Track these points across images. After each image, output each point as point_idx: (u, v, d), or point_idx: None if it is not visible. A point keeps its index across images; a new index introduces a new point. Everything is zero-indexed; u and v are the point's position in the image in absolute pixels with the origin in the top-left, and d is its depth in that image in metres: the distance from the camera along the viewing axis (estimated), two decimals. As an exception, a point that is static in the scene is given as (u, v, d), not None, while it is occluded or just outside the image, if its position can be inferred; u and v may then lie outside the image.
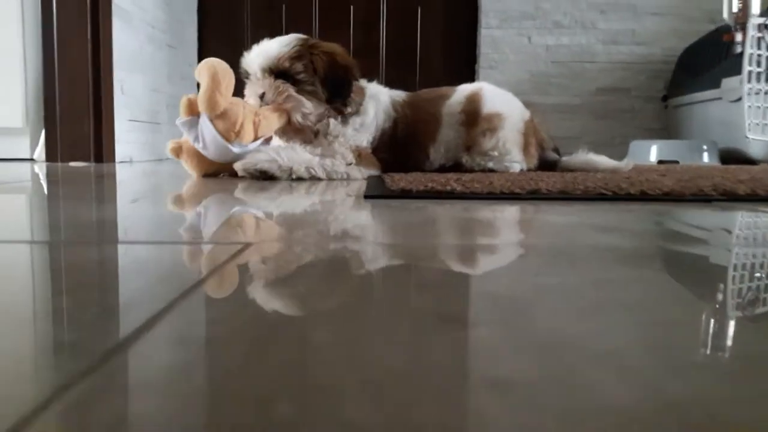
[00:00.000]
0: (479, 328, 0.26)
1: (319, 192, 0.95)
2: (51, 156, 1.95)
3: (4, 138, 2.08)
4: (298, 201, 0.84)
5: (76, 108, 1.93)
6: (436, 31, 2.85)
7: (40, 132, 2.03)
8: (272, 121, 1.21)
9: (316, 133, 1.25)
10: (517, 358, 0.22)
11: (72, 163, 1.88)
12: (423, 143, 1.35)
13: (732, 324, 0.28)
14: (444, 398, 0.19)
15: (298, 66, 1.21)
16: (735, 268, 0.43)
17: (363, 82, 1.33)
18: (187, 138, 1.22)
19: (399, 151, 1.32)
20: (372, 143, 1.28)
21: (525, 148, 1.37)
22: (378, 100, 1.31)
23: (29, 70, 2.03)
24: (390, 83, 1.42)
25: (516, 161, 1.34)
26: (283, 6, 2.84)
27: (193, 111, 1.22)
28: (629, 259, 0.44)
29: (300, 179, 1.16)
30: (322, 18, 2.85)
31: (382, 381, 0.20)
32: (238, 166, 1.16)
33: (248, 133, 1.20)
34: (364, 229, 0.57)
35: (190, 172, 1.25)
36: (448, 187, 0.86)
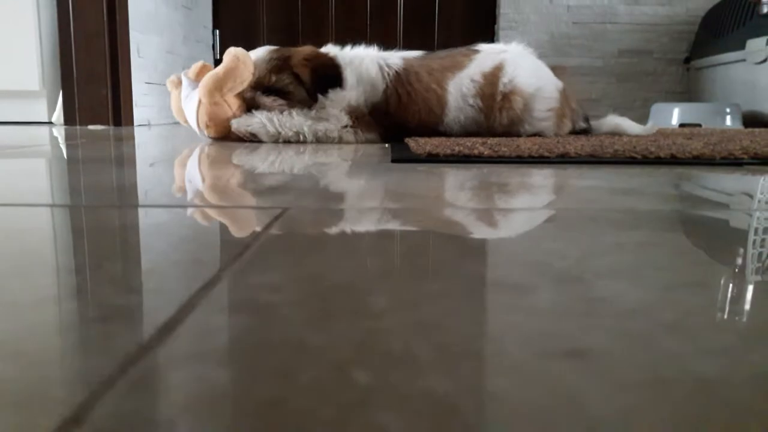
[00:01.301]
0: (537, 293, 0.25)
1: (339, 154, 0.94)
2: (69, 119, 1.95)
3: (21, 101, 2.08)
4: (322, 162, 0.84)
5: (93, 71, 1.92)
6: (454, -10, 2.79)
7: (58, 95, 2.03)
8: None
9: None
10: (582, 325, 0.22)
11: (91, 127, 1.88)
12: (427, 121, 1.23)
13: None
14: (517, 366, 0.18)
15: (285, 78, 1.20)
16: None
17: (336, 51, 1.25)
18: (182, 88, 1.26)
19: (396, 124, 1.22)
20: (366, 107, 1.21)
21: (558, 121, 1.28)
22: (359, 69, 1.21)
23: (44, 33, 2.02)
24: (408, 45, 1.37)
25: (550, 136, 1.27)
26: (299, -35, 2.78)
27: (199, 79, 1.23)
28: (672, 224, 0.43)
29: (288, 142, 1.16)
30: (339, -23, 2.80)
31: (453, 347, 0.20)
32: (233, 126, 1.18)
33: (221, 131, 1.21)
34: (399, 194, 0.56)
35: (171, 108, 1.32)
36: (476, 151, 0.85)
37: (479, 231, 0.42)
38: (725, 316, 0.24)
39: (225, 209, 0.49)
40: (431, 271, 0.30)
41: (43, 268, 0.30)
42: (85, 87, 1.93)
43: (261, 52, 1.22)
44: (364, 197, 0.55)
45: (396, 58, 1.24)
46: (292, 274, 0.28)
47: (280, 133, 1.16)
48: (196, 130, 1.22)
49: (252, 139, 1.17)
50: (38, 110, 2.10)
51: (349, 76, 1.20)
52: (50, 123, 2.06)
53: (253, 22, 2.75)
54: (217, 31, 2.85)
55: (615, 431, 0.15)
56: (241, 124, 1.16)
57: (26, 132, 1.59)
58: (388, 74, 1.21)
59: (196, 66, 1.26)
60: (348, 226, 0.42)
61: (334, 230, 0.40)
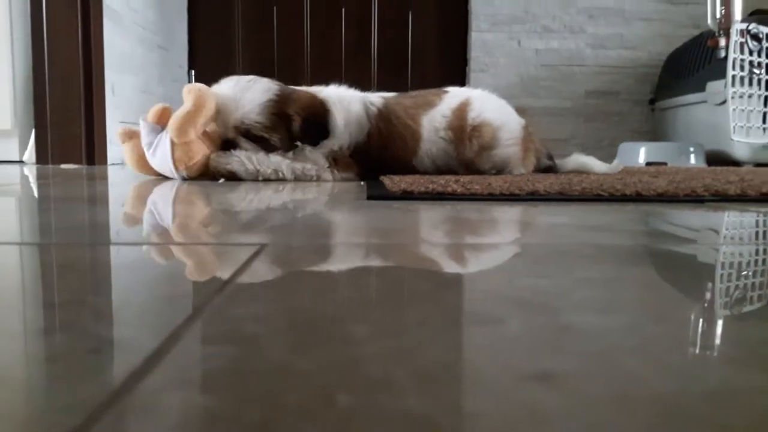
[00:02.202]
0: (507, 324, 0.27)
1: (314, 191, 0.96)
2: (41, 158, 1.94)
3: (-8, 140, 2.07)
4: (296, 199, 0.85)
5: (67, 109, 1.92)
6: (427, 33, 2.87)
7: (29, 134, 2.02)
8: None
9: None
10: (551, 350, 0.23)
11: (63, 165, 1.87)
12: (403, 156, 1.28)
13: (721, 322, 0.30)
14: (493, 389, 0.20)
15: (275, 137, 1.19)
16: (748, 265, 0.44)
17: (323, 90, 1.27)
18: (141, 137, 1.23)
19: (376, 160, 1.25)
20: (348, 149, 1.23)
21: (523, 153, 1.33)
22: (348, 110, 1.23)
23: (17, 71, 2.02)
24: (381, 85, 1.41)
25: (517, 173, 1.32)
26: (275, 7, 2.84)
27: (161, 122, 1.22)
28: (633, 258, 0.45)
29: (267, 180, 1.17)
30: (314, 18, 2.86)
31: (432, 373, 0.21)
32: (210, 164, 1.19)
33: (199, 169, 1.21)
34: (378, 230, 0.58)
35: (126, 162, 1.29)
36: (449, 189, 0.87)
37: (454, 266, 0.43)
38: (687, 343, 0.25)
39: (204, 245, 0.49)
40: (409, 302, 0.31)
41: (27, 303, 0.31)
42: (59, 126, 1.92)
43: (257, 95, 1.19)
44: (342, 233, 0.56)
45: (376, 97, 1.29)
46: (273, 307, 0.29)
47: (258, 170, 1.17)
48: (172, 173, 1.19)
49: (230, 177, 1.18)
50: (9, 149, 2.08)
51: (338, 119, 1.21)
52: (21, 162, 2.04)
53: (228, 62, 2.78)
54: (193, 71, 2.87)
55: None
56: (220, 162, 1.17)
57: (2, 170, 1.58)
58: (372, 113, 1.25)
59: (155, 109, 1.24)
60: (327, 260, 0.43)
61: (313, 265, 0.41)
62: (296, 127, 1.19)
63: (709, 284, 0.39)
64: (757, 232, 0.63)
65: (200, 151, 1.18)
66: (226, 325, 0.26)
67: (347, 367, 0.21)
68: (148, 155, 1.21)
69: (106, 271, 0.40)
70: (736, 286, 0.37)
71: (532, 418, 0.17)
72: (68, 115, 1.92)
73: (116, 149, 2.09)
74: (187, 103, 1.17)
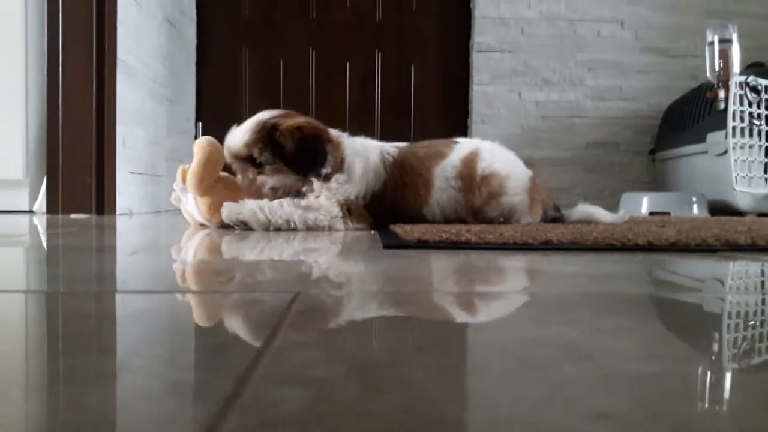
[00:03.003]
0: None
1: (324, 240, 0.97)
2: (52, 208, 1.96)
3: (3, 190, 2.09)
4: (317, 251, 0.86)
5: (79, 160, 1.95)
6: (429, 86, 2.93)
7: (40, 185, 2.05)
8: (251, 196, 1.30)
9: (298, 192, 1.27)
10: (604, 393, 0.24)
11: (73, 215, 1.89)
12: (414, 204, 1.31)
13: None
14: (560, 428, 0.21)
15: (256, 151, 1.24)
16: (755, 314, 0.45)
17: (345, 138, 1.31)
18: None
19: (388, 209, 1.29)
20: (364, 198, 1.26)
21: (531, 202, 1.35)
22: (366, 158, 1.28)
23: (31, 123, 2.06)
24: (385, 136, 1.44)
25: (525, 221, 1.34)
26: (281, 62, 2.91)
27: (185, 181, 1.32)
28: (657, 307, 0.46)
29: (278, 230, 1.20)
30: (319, 74, 2.93)
31: (494, 413, 0.22)
32: (223, 214, 1.22)
33: None
34: (400, 279, 0.59)
35: (186, 217, 1.38)
36: (463, 238, 0.89)
37: (484, 312, 0.44)
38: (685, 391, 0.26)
39: (239, 294, 0.50)
40: (455, 348, 0.33)
41: (94, 348, 0.32)
42: (70, 176, 1.95)
43: (246, 125, 1.26)
44: (367, 281, 0.58)
45: (392, 147, 1.34)
46: (328, 352, 0.30)
47: (270, 220, 1.19)
48: (206, 222, 1.30)
49: (242, 228, 1.20)
50: (21, 199, 2.10)
51: (357, 167, 1.26)
52: (31, 212, 2.06)
53: (235, 114, 2.82)
54: (200, 123, 2.93)
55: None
56: (232, 212, 1.19)
57: (12, 220, 1.59)
58: (388, 163, 1.30)
59: (179, 172, 1.33)
60: (363, 307, 0.45)
61: (351, 311, 0.43)
62: (288, 143, 1.21)
63: (734, 333, 0.40)
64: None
65: (221, 198, 1.26)
66: (290, 370, 0.27)
67: (415, 408, 0.22)
68: (188, 209, 1.34)
69: (160, 319, 0.41)
70: None
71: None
72: (80, 166, 1.95)
73: (125, 199, 2.12)
74: (196, 160, 1.27)
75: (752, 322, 0.42)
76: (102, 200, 1.97)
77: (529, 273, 0.68)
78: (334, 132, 1.30)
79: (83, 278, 0.59)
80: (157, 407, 0.23)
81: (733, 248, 0.89)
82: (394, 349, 0.32)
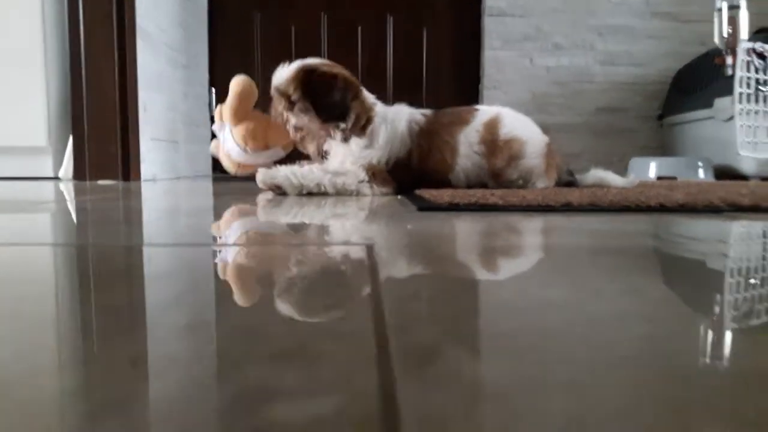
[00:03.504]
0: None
1: (361, 206, 1.04)
2: (79, 174, 2.02)
3: (27, 157, 2.16)
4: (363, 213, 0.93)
5: (104, 127, 2.01)
6: (441, 52, 2.97)
7: (63, 151, 2.11)
8: (280, 133, 1.52)
9: (325, 154, 1.37)
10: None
11: (101, 182, 1.95)
12: (441, 170, 1.38)
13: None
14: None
15: (291, 88, 1.35)
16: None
17: (379, 105, 1.39)
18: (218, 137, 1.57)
19: (414, 175, 1.36)
20: (387, 165, 1.33)
21: (547, 167, 1.42)
22: (394, 127, 1.35)
23: (51, 90, 2.11)
24: (397, 101, 1.48)
25: (541, 185, 1.41)
26: (292, 29, 2.94)
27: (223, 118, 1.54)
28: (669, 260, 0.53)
29: (310, 194, 1.27)
30: (330, 41, 2.96)
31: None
32: (258, 178, 1.29)
33: (259, 141, 1.60)
34: (460, 235, 0.66)
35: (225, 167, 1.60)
36: (490, 201, 0.95)
37: (531, 257, 0.51)
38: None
39: (317, 247, 0.57)
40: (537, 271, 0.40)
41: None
42: (96, 143, 2.01)
43: (294, 64, 1.39)
44: (421, 234, 0.65)
45: (419, 115, 1.40)
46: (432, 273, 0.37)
47: (303, 184, 1.25)
48: (241, 149, 1.56)
49: (276, 191, 1.27)
50: (44, 166, 2.17)
51: (381, 134, 1.33)
52: (56, 178, 2.13)
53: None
54: (213, 88, 2.97)
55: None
56: (267, 177, 1.26)
57: (43, 187, 1.66)
58: (414, 131, 1.36)
59: (217, 112, 1.65)
60: (438, 255, 0.51)
61: (429, 259, 0.50)
62: (318, 87, 1.33)
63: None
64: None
65: (252, 123, 1.49)
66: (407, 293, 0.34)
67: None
68: (224, 147, 1.59)
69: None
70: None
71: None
72: (105, 133, 2.01)
73: (148, 165, 2.18)
74: (231, 93, 1.61)
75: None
76: (128, 166, 2.03)
77: (558, 229, 0.75)
78: (370, 96, 1.37)
79: (178, 233, 0.66)
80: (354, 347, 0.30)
81: (737, 209, 0.96)
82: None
